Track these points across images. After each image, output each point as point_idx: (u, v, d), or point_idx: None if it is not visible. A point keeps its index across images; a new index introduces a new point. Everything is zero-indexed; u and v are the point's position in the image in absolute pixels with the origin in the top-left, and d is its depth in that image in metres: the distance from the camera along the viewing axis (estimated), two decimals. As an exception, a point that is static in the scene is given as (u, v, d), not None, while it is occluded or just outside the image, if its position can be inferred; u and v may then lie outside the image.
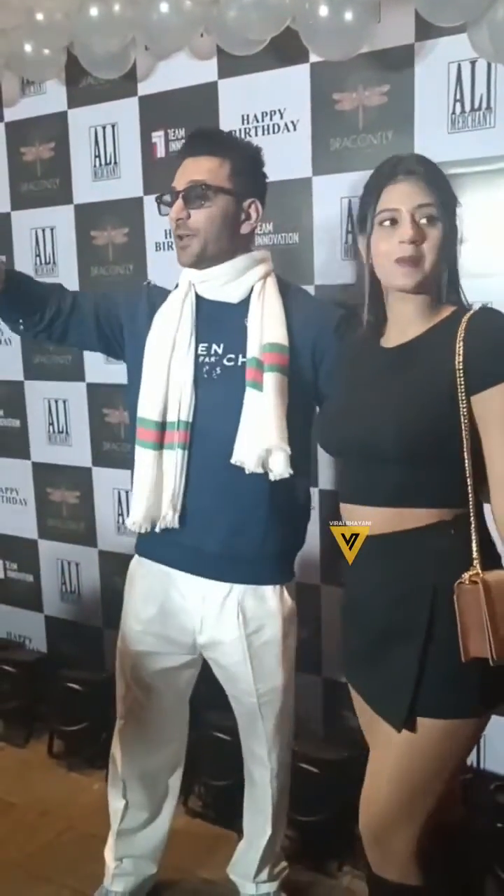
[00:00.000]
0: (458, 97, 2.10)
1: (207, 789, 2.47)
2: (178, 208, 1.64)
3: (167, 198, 1.70)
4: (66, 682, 2.78)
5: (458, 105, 2.11)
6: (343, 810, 2.20)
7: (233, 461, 1.63)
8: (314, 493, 2.44)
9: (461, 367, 1.36)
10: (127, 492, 2.86)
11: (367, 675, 1.54)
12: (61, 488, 3.06)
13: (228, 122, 2.44)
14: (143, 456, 1.70)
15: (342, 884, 2.20)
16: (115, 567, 2.97)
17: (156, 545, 1.79)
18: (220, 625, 1.78)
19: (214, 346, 1.70)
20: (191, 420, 1.67)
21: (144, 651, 1.88)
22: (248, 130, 2.41)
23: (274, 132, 2.38)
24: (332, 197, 2.30)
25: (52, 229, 2.89)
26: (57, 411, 3.00)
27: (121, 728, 1.98)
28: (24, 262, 2.97)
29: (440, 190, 1.41)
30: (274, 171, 2.35)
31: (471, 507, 1.41)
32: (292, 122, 2.34)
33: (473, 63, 2.07)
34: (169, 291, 1.78)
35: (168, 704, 1.96)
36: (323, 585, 2.49)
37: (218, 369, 1.69)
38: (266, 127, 2.39)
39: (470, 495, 1.40)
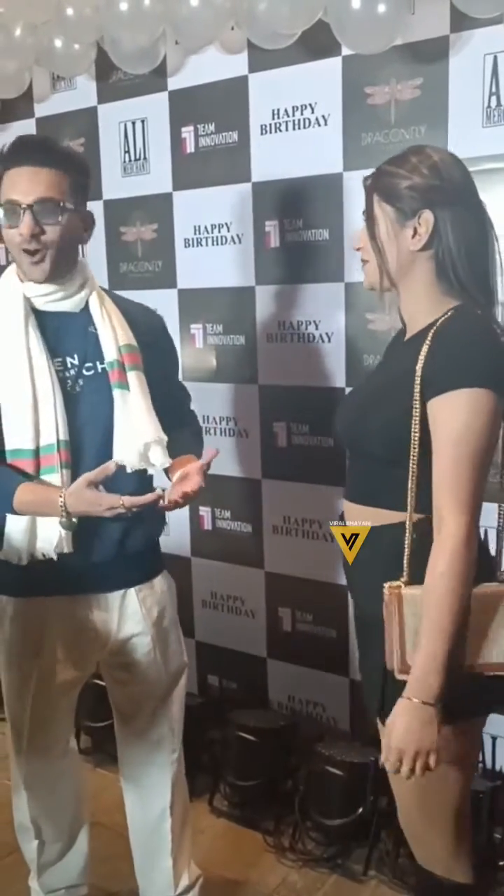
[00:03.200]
0: (493, 90, 2.06)
1: (233, 789, 2.45)
2: (32, 224, 1.55)
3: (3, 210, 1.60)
4: (91, 679, 2.78)
5: (493, 98, 2.06)
6: (369, 814, 2.19)
7: (120, 463, 1.60)
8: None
9: (419, 372, 1.34)
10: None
11: (360, 665, 1.60)
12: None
13: (259, 116, 2.42)
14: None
15: (368, 888, 2.18)
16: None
17: (38, 577, 1.67)
18: (125, 628, 1.77)
19: (69, 359, 1.65)
20: (68, 438, 1.60)
21: (50, 685, 1.76)
22: (278, 125, 2.38)
23: (304, 127, 2.34)
24: (364, 193, 2.26)
25: (81, 225, 2.89)
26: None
27: (27, 783, 1.87)
28: (53, 258, 2.98)
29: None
30: (304, 166, 2.35)
31: (409, 513, 1.37)
32: (323, 117, 2.31)
33: (510, 55, 2.02)
34: None
35: (65, 730, 1.91)
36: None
37: (80, 381, 1.65)
38: (297, 122, 2.35)
39: (409, 500, 1.37)
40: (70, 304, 1.66)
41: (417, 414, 1.34)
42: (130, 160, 2.73)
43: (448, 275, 1.39)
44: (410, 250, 1.38)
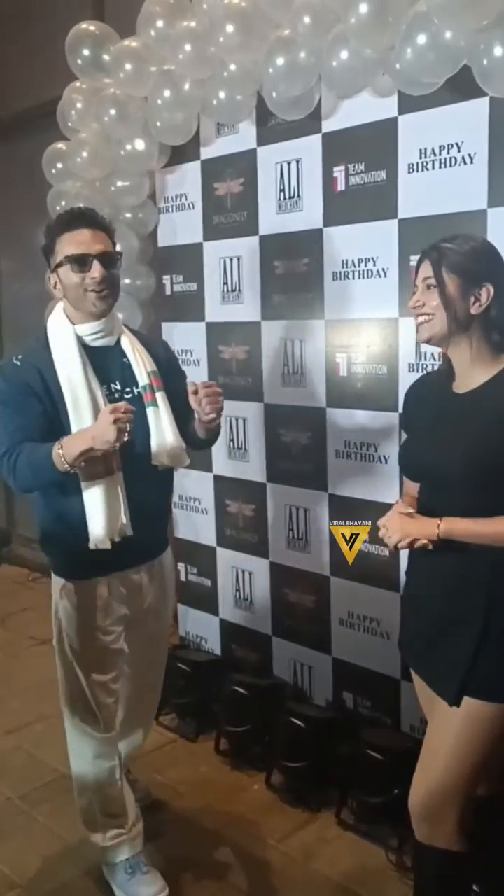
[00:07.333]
0: None
1: (360, 805, 2.52)
2: (101, 270, 2.00)
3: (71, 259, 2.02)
4: (234, 686, 2.95)
5: None
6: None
7: (154, 463, 2.10)
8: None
9: None
10: (297, 508, 3.00)
11: (426, 657, 1.80)
12: (238, 501, 3.25)
13: (407, 155, 2.50)
14: (97, 484, 2.03)
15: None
16: (284, 578, 3.11)
17: (104, 560, 2.09)
18: (158, 586, 2.30)
19: (113, 385, 2.10)
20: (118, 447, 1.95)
21: (117, 648, 2.24)
22: (425, 164, 2.46)
23: (451, 165, 2.41)
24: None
25: (238, 259, 3.09)
26: (237, 429, 3.20)
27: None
28: (213, 290, 3.20)
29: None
30: (449, 203, 2.41)
31: None
32: (469, 155, 2.36)
33: None
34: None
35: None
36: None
37: (123, 402, 2.02)
38: (443, 160, 2.42)
39: None
40: (109, 340, 2.12)
41: None
42: (285, 198, 2.89)
43: (500, 333, 1.73)
44: (471, 313, 1.72)
